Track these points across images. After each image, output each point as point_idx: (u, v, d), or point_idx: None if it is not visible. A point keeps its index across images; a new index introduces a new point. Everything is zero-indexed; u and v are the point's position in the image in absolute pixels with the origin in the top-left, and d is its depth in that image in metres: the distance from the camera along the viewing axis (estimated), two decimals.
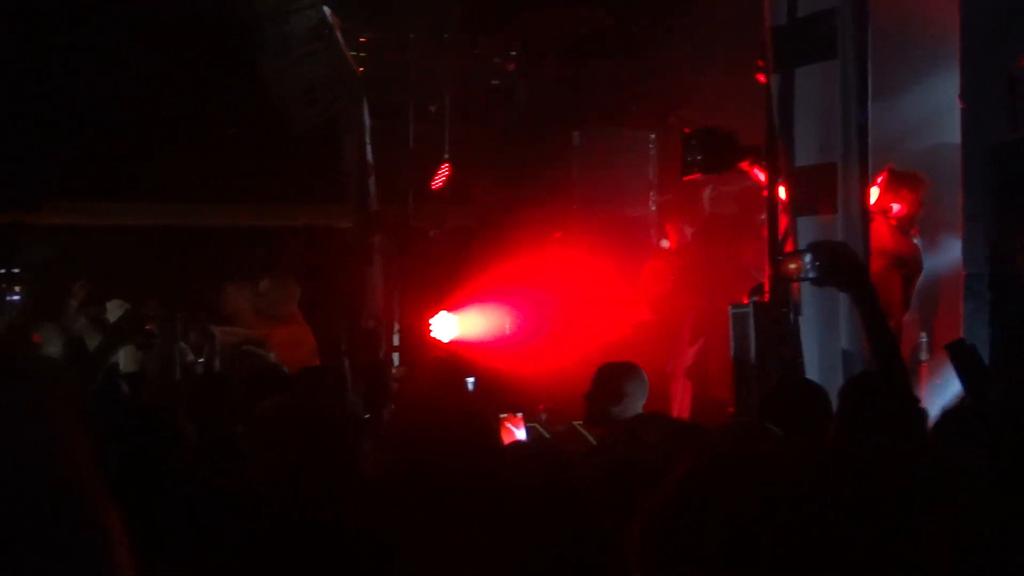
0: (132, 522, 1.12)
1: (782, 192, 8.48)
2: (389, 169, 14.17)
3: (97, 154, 15.12)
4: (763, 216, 8.86)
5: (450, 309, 13.86)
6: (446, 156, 14.50)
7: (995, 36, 7.90)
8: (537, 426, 9.22)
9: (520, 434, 7.46)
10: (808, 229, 8.04)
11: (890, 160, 9.34)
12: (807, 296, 7.97)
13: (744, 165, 9.07)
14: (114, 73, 14.66)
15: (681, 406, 11.54)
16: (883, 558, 1.84)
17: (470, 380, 9.15)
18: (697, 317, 11.96)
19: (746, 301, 8.62)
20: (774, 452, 1.90)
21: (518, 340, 13.75)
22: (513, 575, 2.50)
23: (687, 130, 9.27)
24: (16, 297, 12.28)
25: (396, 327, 14.25)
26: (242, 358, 8.40)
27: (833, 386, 6.65)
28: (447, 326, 13.69)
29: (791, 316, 8.19)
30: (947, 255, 9.83)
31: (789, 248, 8.21)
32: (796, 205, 8.18)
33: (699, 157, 8.92)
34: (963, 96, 8.01)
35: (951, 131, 8.76)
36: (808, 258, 6.01)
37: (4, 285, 13.38)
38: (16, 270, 14.09)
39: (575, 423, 7.63)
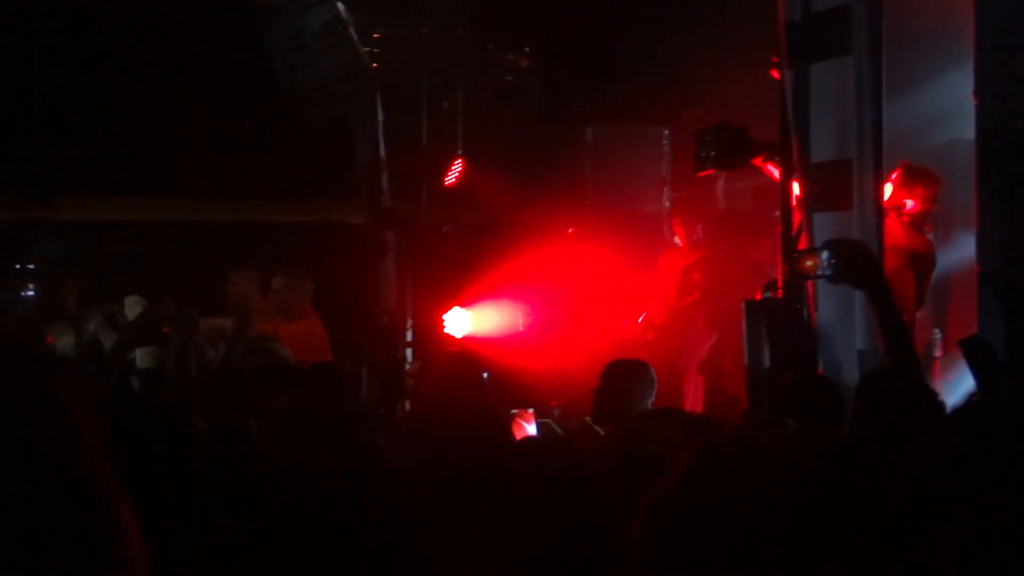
0: (143, 517, 1.13)
1: (796, 188, 8.47)
2: (402, 165, 14.17)
3: (110, 150, 15.14)
4: (778, 212, 8.85)
5: (463, 305, 13.86)
6: (459, 152, 14.50)
7: (1009, 32, 7.89)
8: (550, 422, 9.23)
9: (531, 430, 7.46)
10: (823, 225, 8.03)
11: (904, 156, 9.32)
12: (823, 292, 7.95)
13: (757, 161, 9.06)
14: (128, 69, 14.68)
15: (694, 402, 11.53)
16: (892, 555, 1.84)
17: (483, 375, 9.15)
18: (710, 313, 11.94)
19: (760, 297, 8.61)
20: (779, 447, 1.90)
21: (531, 336, 13.75)
22: (524, 572, 2.50)
23: (702, 126, 9.25)
24: (31, 293, 12.31)
25: (409, 323, 14.25)
26: (256, 354, 8.41)
27: (848, 382, 6.65)
28: (460, 322, 13.69)
29: (804, 312, 8.18)
30: (961, 251, 9.81)
31: (803, 244, 8.20)
32: (810, 201, 8.16)
33: (712, 153, 8.91)
34: (977, 92, 7.99)
35: (965, 127, 8.75)
36: (825, 255, 6.01)
37: (18, 281, 13.41)
38: (31, 266, 14.12)
39: (588, 419, 7.65)
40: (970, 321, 8.24)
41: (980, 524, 2.41)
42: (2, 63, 14.62)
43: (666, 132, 14.66)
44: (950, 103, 9.89)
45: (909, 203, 9.16)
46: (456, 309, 13.78)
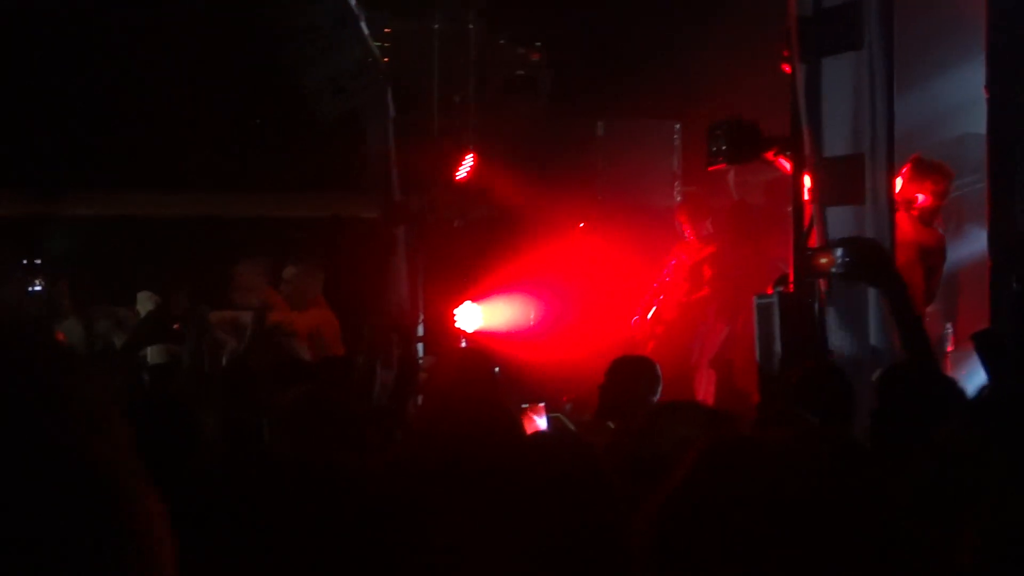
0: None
1: (807, 183, 8.46)
2: (413, 160, 14.18)
3: (120, 144, 15.16)
4: (790, 207, 8.85)
5: (474, 300, 13.86)
6: (470, 147, 14.50)
7: (1021, 24, 7.86)
8: (562, 416, 9.23)
9: (542, 424, 7.47)
10: (835, 220, 8.02)
11: (916, 151, 9.30)
12: (837, 288, 7.95)
13: (770, 156, 9.04)
14: (138, 63, 14.69)
15: (705, 396, 11.52)
16: (897, 555, 1.84)
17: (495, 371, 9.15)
18: (721, 307, 11.94)
19: (771, 292, 8.61)
20: (783, 447, 1.90)
21: (542, 330, 13.75)
22: (532, 567, 2.50)
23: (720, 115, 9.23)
24: (38, 288, 12.32)
25: (420, 318, 14.26)
26: (267, 349, 8.42)
27: (860, 377, 6.64)
28: (471, 317, 13.70)
29: (816, 307, 8.18)
30: (973, 246, 9.80)
31: (814, 239, 8.19)
32: (823, 196, 8.15)
33: (724, 147, 8.90)
34: (989, 86, 7.97)
35: (977, 121, 8.72)
36: (839, 252, 6.02)
37: (26, 276, 13.41)
38: (38, 261, 14.13)
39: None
40: (982, 315, 8.22)
41: (995, 518, 2.41)
42: (10, 57, 14.64)
43: (677, 126, 14.65)
44: (962, 97, 9.88)
45: (920, 197, 9.14)
46: (467, 304, 13.79)
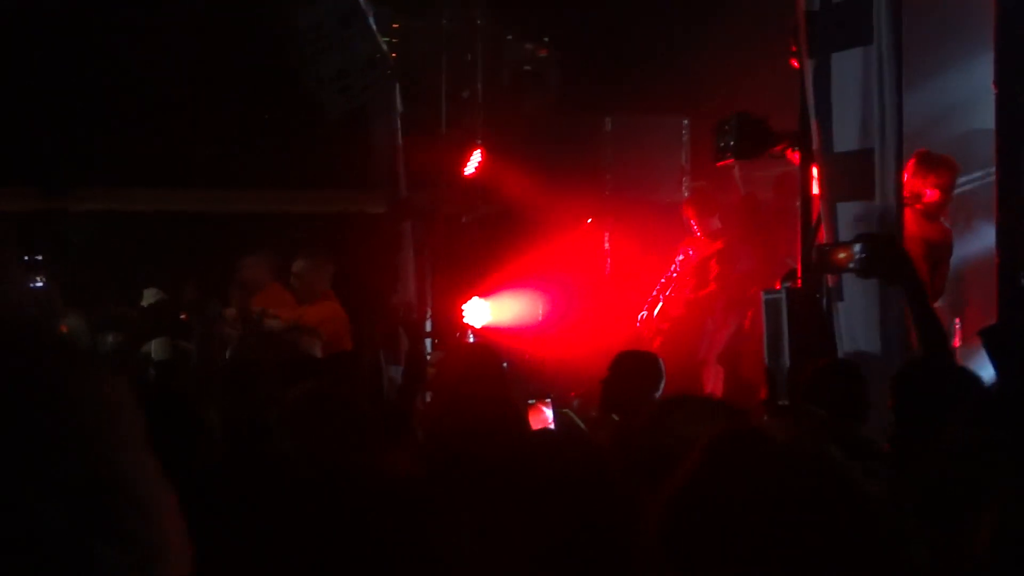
0: None
1: (816, 177, 8.45)
2: (421, 155, 14.18)
3: (127, 141, 15.16)
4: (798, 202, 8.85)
5: (482, 295, 13.87)
6: (478, 142, 14.50)
7: None
8: (569, 412, 9.22)
9: (548, 419, 7.47)
10: (844, 216, 8.00)
11: (923, 146, 9.29)
12: (847, 283, 7.94)
13: (777, 151, 9.03)
14: (146, 60, 14.69)
15: (714, 392, 11.52)
16: (901, 552, 1.84)
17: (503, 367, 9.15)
18: (728, 301, 11.93)
19: (779, 287, 8.60)
20: (790, 443, 1.90)
21: (550, 326, 13.75)
22: (538, 564, 2.50)
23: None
24: (39, 284, 12.31)
25: (428, 313, 14.26)
26: (280, 346, 8.41)
27: (868, 373, 6.63)
28: (479, 312, 13.70)
29: (824, 302, 8.17)
30: (981, 241, 9.78)
31: (822, 234, 8.18)
32: (832, 191, 8.14)
33: (732, 143, 8.89)
34: (997, 81, 7.95)
35: (986, 116, 8.70)
36: (858, 248, 6.01)
37: (27, 273, 13.40)
38: (39, 257, 14.14)
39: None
40: (990, 311, 8.21)
41: (1004, 515, 2.41)
42: (17, 54, 14.65)
43: (685, 122, 14.64)
44: (970, 92, 9.85)
45: (927, 192, 9.12)
46: (475, 299, 13.79)
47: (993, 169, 8.15)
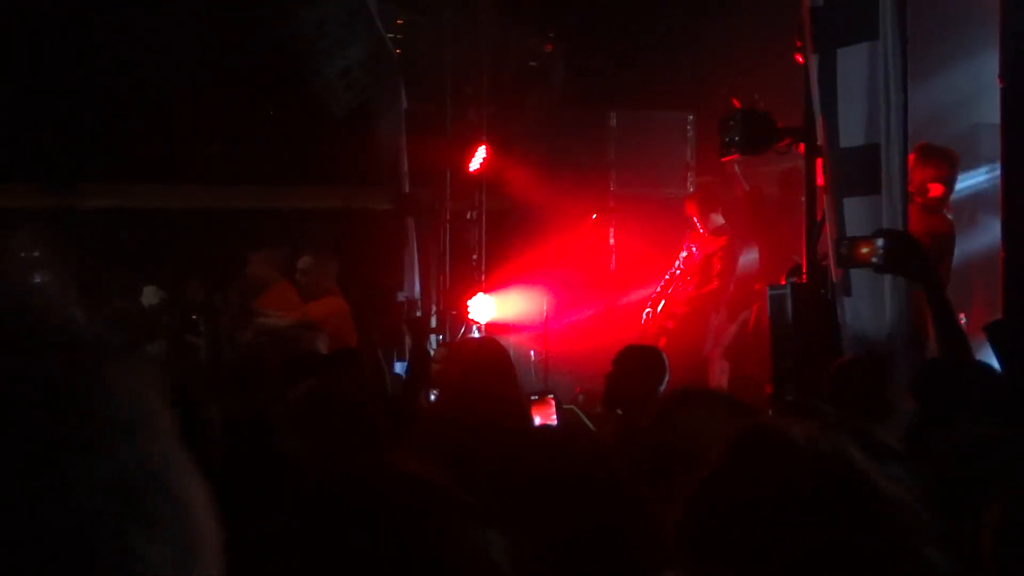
0: None
1: (822, 171, 8.43)
2: (426, 152, 14.18)
3: (133, 138, 15.18)
4: (803, 197, 8.84)
5: (487, 291, 13.87)
6: (483, 138, 14.50)
7: None
8: (575, 408, 9.22)
9: (552, 416, 7.46)
10: (850, 211, 7.99)
11: (928, 140, 9.27)
12: (855, 278, 7.92)
13: (787, 146, 9.01)
14: (152, 57, 14.70)
15: (719, 386, 11.52)
16: (913, 551, 1.83)
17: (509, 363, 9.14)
18: (733, 297, 11.93)
19: (784, 282, 8.59)
20: (812, 439, 1.89)
21: (554, 322, 13.75)
22: (541, 561, 2.50)
23: (735, 101, 9.19)
24: (37, 281, 12.30)
25: (433, 309, 14.27)
26: (286, 343, 8.42)
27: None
28: (484, 308, 13.70)
29: (829, 297, 8.16)
30: (986, 236, 9.77)
31: (827, 230, 8.17)
32: (838, 187, 8.13)
33: (737, 138, 8.88)
34: (1003, 75, 7.94)
35: (991, 111, 8.69)
36: (880, 243, 5.98)
37: (27, 269, 13.39)
38: (36, 254, 14.14)
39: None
40: (995, 306, 8.20)
41: (1012, 510, 2.40)
42: (27, 52, 14.66)
43: (690, 117, 14.64)
44: (976, 87, 9.84)
45: (928, 186, 9.09)
46: (480, 295, 13.79)
47: (998, 166, 8.14)
